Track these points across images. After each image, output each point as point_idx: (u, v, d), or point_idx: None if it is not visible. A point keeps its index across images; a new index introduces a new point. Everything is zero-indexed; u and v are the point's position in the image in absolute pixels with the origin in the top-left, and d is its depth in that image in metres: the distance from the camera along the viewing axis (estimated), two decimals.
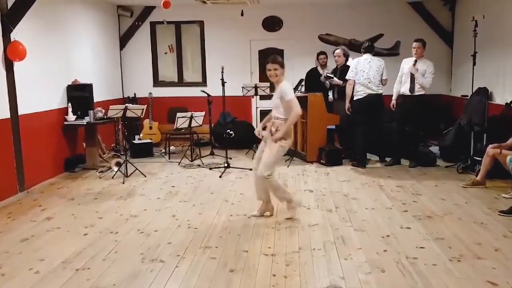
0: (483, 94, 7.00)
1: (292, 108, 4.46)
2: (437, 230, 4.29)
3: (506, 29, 6.93)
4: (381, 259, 3.66)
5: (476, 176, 5.85)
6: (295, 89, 7.63)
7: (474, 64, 6.84)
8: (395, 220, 4.62)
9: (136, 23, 9.63)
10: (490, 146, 5.67)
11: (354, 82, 6.93)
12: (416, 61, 6.80)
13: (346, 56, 7.34)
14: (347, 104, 7.05)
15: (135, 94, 9.63)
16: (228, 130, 8.34)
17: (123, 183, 6.26)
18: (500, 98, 7.04)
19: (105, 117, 7.14)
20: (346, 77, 7.08)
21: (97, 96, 7.75)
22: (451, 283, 3.25)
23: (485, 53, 7.23)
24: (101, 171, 6.84)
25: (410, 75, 6.78)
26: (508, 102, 6.60)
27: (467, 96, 7.47)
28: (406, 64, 6.94)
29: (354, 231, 4.32)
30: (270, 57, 4.65)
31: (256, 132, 4.86)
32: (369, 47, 7.09)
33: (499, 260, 3.60)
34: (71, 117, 7.01)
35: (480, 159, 5.95)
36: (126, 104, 6.78)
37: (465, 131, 6.82)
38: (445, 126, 7.81)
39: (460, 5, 8.90)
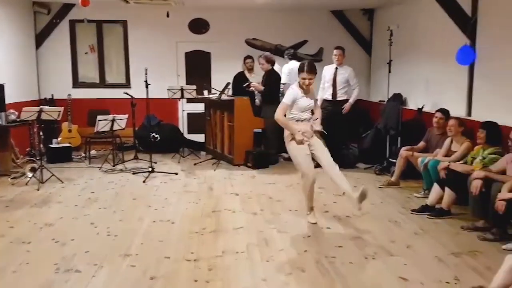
0: (398, 99, 7.45)
1: None
2: (355, 230, 4.49)
3: (418, 38, 7.42)
4: (301, 260, 3.75)
5: (391, 177, 6.19)
6: (222, 92, 7.63)
7: (389, 71, 7.24)
8: (316, 220, 4.75)
9: (54, 21, 9.13)
10: (403, 148, 6.03)
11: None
12: (337, 68, 7.07)
13: (271, 62, 7.47)
14: None
15: (52, 95, 9.13)
16: (153, 134, 8.16)
17: (38, 189, 5.90)
18: (413, 104, 7.51)
19: (18, 119, 6.70)
20: (283, 81, 7.38)
21: (10, 98, 7.23)
22: (366, 280, 3.40)
23: (399, 61, 7.68)
24: (14, 177, 6.41)
25: (332, 82, 7.04)
26: (420, 107, 7.05)
27: (384, 101, 7.89)
28: (327, 71, 7.21)
29: (277, 233, 4.40)
30: (306, 65, 4.54)
31: (299, 140, 4.57)
32: (295, 54, 7.37)
33: (410, 257, 3.83)
34: None
35: (395, 161, 6.31)
36: (41, 106, 6.40)
37: (382, 134, 7.19)
38: (364, 130, 8.18)
39: (377, 15, 9.39)
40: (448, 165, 4.94)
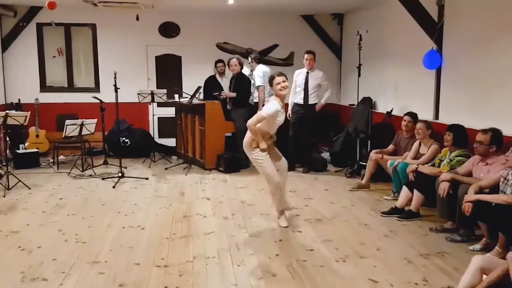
0: (367, 103, 7.56)
1: None
2: (325, 233, 4.52)
3: (386, 43, 7.56)
4: (272, 263, 3.76)
5: (362, 180, 6.27)
6: (193, 96, 7.59)
7: (359, 75, 7.34)
8: (289, 224, 4.77)
9: (21, 24, 8.90)
10: (373, 151, 6.12)
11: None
12: (308, 72, 7.13)
13: (241, 65, 7.48)
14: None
15: (19, 100, 8.89)
16: (123, 138, 8.05)
17: (4, 196, 5.73)
18: (382, 107, 7.64)
19: None
20: (258, 84, 7.42)
21: None
22: (337, 282, 3.44)
23: (368, 65, 7.80)
24: None
25: (303, 86, 7.09)
26: (389, 111, 7.18)
27: (354, 105, 8.00)
28: (299, 75, 7.25)
29: (249, 237, 4.40)
30: (276, 72, 4.66)
31: (263, 149, 4.61)
32: (260, 57, 7.63)
33: (379, 259, 3.89)
34: None
35: (365, 164, 6.39)
36: (7, 111, 6.23)
37: (352, 138, 7.29)
38: (335, 133, 8.28)
39: (347, 20, 9.53)
40: (417, 167, 5.03)
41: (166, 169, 7.48)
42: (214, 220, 4.92)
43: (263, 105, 7.43)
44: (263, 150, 4.54)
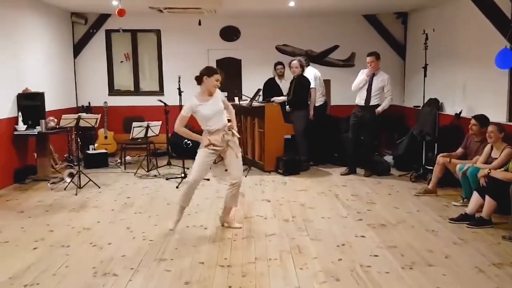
0: (434, 105, 7.27)
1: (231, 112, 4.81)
2: (390, 238, 4.39)
3: (455, 42, 7.25)
4: (336, 268, 3.70)
5: (428, 185, 6.04)
6: (252, 99, 7.66)
7: (425, 75, 7.09)
8: (350, 229, 4.69)
9: (91, 31, 9.41)
10: (440, 155, 5.87)
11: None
12: (373, 73, 6.93)
13: (302, 67, 7.45)
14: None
15: (89, 103, 9.38)
16: (186, 140, 8.24)
17: (76, 194, 6.05)
18: (450, 109, 7.33)
19: (58, 126, 6.91)
20: (312, 86, 7.49)
21: (49, 105, 7.50)
22: None
23: (435, 65, 7.51)
24: (53, 182, 6.59)
25: (366, 87, 6.92)
26: (458, 112, 6.88)
27: (419, 106, 7.73)
28: (363, 75, 7.06)
29: (310, 240, 4.35)
30: (214, 69, 4.64)
31: (206, 144, 4.54)
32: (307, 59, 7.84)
33: (449, 267, 3.72)
34: (21, 127, 6.75)
35: (431, 168, 6.15)
36: (79, 114, 6.59)
37: (417, 141, 7.03)
38: (399, 136, 8.04)
39: (412, 19, 9.24)
40: (489, 172, 4.78)
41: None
42: (274, 222, 4.93)
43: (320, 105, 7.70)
44: (206, 145, 4.54)
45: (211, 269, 3.69)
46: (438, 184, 5.94)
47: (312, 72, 7.76)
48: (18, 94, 6.93)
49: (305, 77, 7.52)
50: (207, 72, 4.56)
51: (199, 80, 4.57)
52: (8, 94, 6.76)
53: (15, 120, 6.77)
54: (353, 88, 7.04)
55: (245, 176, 7.10)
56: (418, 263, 3.80)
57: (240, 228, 4.70)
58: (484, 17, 5.87)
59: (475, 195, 4.85)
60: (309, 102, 7.58)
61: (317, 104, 7.80)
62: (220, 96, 4.65)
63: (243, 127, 8.11)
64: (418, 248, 4.12)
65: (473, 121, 5.63)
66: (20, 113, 6.80)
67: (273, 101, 7.61)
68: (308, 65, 7.92)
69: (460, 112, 6.81)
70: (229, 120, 4.73)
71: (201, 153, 4.60)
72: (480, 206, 4.77)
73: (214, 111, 4.54)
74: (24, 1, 7.29)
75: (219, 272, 3.64)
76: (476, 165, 5.24)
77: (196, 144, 8.43)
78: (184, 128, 4.60)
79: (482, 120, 5.59)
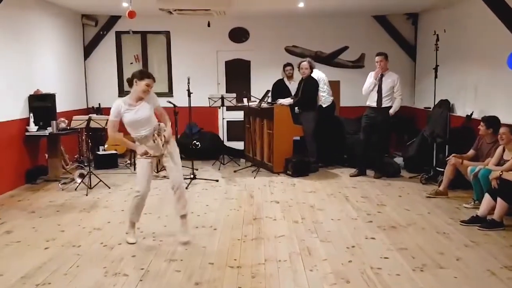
0: (445, 106, 7.22)
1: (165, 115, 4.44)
2: (401, 240, 4.36)
3: (466, 43, 7.19)
4: (346, 270, 3.68)
5: (439, 187, 5.99)
6: (261, 100, 7.66)
7: (436, 77, 7.04)
8: (360, 230, 4.67)
9: (101, 33, 9.47)
10: (452, 155, 5.82)
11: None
12: (382, 74, 6.91)
13: (312, 68, 7.44)
14: None
15: (99, 104, 9.43)
16: (195, 141, 8.27)
17: (87, 195, 6.09)
18: (461, 111, 7.27)
19: (68, 127, 6.97)
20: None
21: (60, 107, 7.56)
22: None
23: (446, 66, 7.46)
24: (64, 183, 6.64)
25: (377, 88, 6.89)
26: (469, 114, 6.82)
27: (430, 108, 7.67)
28: (372, 77, 7.04)
29: (320, 242, 4.34)
30: (147, 73, 4.24)
31: (142, 153, 4.24)
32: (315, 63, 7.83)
33: (460, 269, 3.68)
34: (32, 128, 6.81)
35: (442, 170, 6.10)
36: (90, 115, 6.63)
37: (428, 142, 6.99)
38: (409, 138, 7.99)
39: (422, 19, 9.19)
40: (501, 174, 4.73)
41: (235, 171, 7.59)
42: (284, 224, 4.92)
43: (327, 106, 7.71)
44: (142, 154, 4.23)
45: (221, 269, 3.70)
46: (449, 186, 5.89)
47: (316, 75, 7.72)
48: (30, 95, 6.99)
49: (313, 78, 7.51)
50: (139, 75, 4.18)
51: (129, 82, 4.25)
52: (20, 96, 6.82)
53: (26, 121, 6.83)
54: (363, 92, 7.03)
55: (254, 178, 7.12)
56: (429, 265, 3.77)
57: (186, 243, 4.29)
58: (496, 17, 5.82)
59: (487, 197, 4.80)
60: (320, 103, 7.61)
61: (324, 105, 7.79)
62: (152, 101, 4.28)
63: (252, 129, 8.11)
64: (429, 250, 4.09)
65: (482, 123, 5.59)
66: (31, 114, 6.86)
67: (281, 104, 7.60)
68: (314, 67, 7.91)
69: (471, 114, 6.75)
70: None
71: (140, 163, 4.31)
72: (492, 208, 4.72)
73: (139, 117, 4.19)
74: (35, 3, 7.36)
75: (229, 273, 3.64)
76: (488, 167, 5.19)
77: (206, 146, 8.47)
78: (118, 134, 4.33)
79: (489, 121, 5.55)
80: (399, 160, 7.85)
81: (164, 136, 4.30)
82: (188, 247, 4.21)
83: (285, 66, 8.40)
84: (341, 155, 8.03)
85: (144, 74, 4.21)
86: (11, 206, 5.66)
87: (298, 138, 7.66)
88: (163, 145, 4.29)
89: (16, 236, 4.53)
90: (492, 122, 5.53)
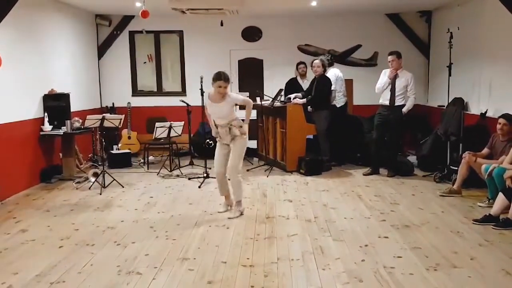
0: (459, 104, 7.14)
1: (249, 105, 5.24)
2: (414, 239, 4.33)
3: (480, 40, 7.11)
4: (359, 269, 3.67)
5: (453, 185, 5.93)
6: (274, 99, 7.66)
7: (450, 75, 6.97)
8: (373, 229, 4.65)
9: (115, 32, 9.55)
10: (466, 153, 5.76)
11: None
12: (396, 74, 6.84)
13: (325, 67, 7.42)
14: None
15: (113, 103, 9.52)
16: (208, 140, 8.30)
17: (100, 194, 6.16)
18: (475, 109, 7.19)
19: (82, 127, 7.05)
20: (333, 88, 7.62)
21: (75, 106, 7.65)
22: None
23: (460, 64, 7.38)
24: (78, 182, 6.72)
25: (390, 87, 6.84)
26: (483, 112, 6.74)
27: (444, 106, 7.60)
28: (387, 74, 6.98)
29: (332, 241, 4.33)
30: (218, 75, 4.93)
31: (214, 134, 5.24)
32: (331, 60, 7.93)
33: (474, 269, 3.65)
34: (47, 127, 6.90)
35: (456, 168, 6.04)
36: (104, 114, 6.69)
37: (442, 141, 6.92)
38: (422, 136, 7.93)
39: (436, 17, 9.10)
40: None
41: (248, 170, 7.61)
42: (296, 223, 4.92)
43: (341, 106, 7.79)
44: (215, 135, 5.23)
45: (234, 268, 3.71)
46: (463, 185, 5.83)
47: (334, 73, 7.72)
48: (44, 95, 7.09)
49: (326, 77, 7.49)
50: (213, 77, 4.96)
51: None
52: (35, 95, 6.92)
53: (41, 120, 6.92)
54: (376, 91, 6.99)
55: (267, 177, 7.12)
56: (442, 264, 3.74)
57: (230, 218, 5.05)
58: (510, 14, 5.74)
59: (501, 196, 4.75)
60: (333, 103, 7.60)
61: (338, 105, 7.78)
62: (232, 101, 5.06)
63: (265, 127, 8.12)
64: (442, 250, 4.06)
65: (502, 121, 5.49)
66: (46, 114, 6.96)
67: (289, 98, 7.60)
68: (332, 64, 7.89)
69: (486, 112, 6.68)
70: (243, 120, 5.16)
71: (217, 146, 5.28)
72: (506, 207, 4.67)
73: (217, 112, 5.07)
74: (50, 4, 7.46)
75: (242, 271, 3.65)
76: (502, 165, 5.12)
77: None
78: (208, 115, 5.25)
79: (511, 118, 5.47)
80: (412, 158, 7.80)
81: (234, 132, 5.05)
82: (200, 246, 4.23)
83: (298, 64, 8.41)
84: (354, 154, 7.99)
85: (216, 77, 4.92)
86: (26, 205, 5.75)
87: (311, 136, 7.64)
88: (231, 138, 5.07)
89: (31, 235, 4.60)
90: None
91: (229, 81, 4.99)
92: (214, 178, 6.84)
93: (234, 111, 5.17)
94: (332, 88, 7.54)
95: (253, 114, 8.88)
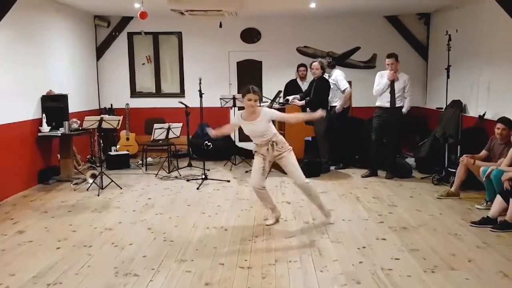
0: (457, 106, 7.15)
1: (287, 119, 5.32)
2: (412, 241, 4.33)
3: (478, 43, 7.12)
4: (356, 271, 3.67)
5: (451, 187, 5.94)
6: (273, 100, 7.66)
7: (448, 77, 6.97)
8: (371, 231, 4.65)
9: (113, 34, 9.54)
10: (465, 155, 5.76)
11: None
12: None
13: (323, 69, 7.42)
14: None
15: (111, 105, 9.51)
16: (206, 142, 8.29)
17: (98, 195, 6.14)
18: (473, 111, 7.20)
19: (80, 128, 7.04)
20: (345, 87, 7.64)
21: (73, 107, 7.64)
22: None
23: (458, 66, 7.39)
24: (76, 183, 6.71)
25: (390, 89, 6.84)
26: (481, 114, 6.75)
27: (442, 108, 7.61)
28: (382, 77, 6.99)
29: (330, 243, 4.33)
30: (247, 89, 4.66)
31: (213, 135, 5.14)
32: (333, 63, 7.85)
33: (472, 271, 3.65)
34: (45, 128, 6.89)
35: (454, 170, 6.04)
36: (102, 115, 6.68)
37: (440, 143, 6.93)
38: (421, 138, 7.93)
39: (434, 20, 9.11)
40: None
41: (246, 172, 7.59)
42: (295, 224, 4.92)
43: (345, 108, 7.77)
44: (214, 136, 5.10)
45: (231, 270, 3.71)
46: (461, 187, 5.84)
47: (341, 73, 7.78)
48: (42, 96, 7.08)
49: (325, 78, 7.49)
50: (242, 93, 4.71)
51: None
52: (33, 96, 6.91)
53: (39, 121, 6.91)
54: (375, 93, 6.99)
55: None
56: (440, 266, 3.74)
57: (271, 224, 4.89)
58: (509, 17, 5.74)
59: (498, 199, 4.75)
60: (333, 105, 7.61)
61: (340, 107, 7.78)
62: (268, 117, 4.66)
63: None
64: (440, 252, 4.06)
65: (501, 125, 5.48)
66: (44, 115, 6.94)
67: (287, 100, 7.60)
68: (334, 66, 7.88)
69: (484, 114, 6.68)
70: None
71: (255, 159, 4.89)
72: (503, 210, 4.67)
73: (253, 131, 4.71)
74: (48, 5, 7.45)
75: (239, 273, 3.65)
76: (501, 168, 5.13)
77: (218, 146, 8.51)
78: (226, 127, 5.24)
79: (510, 123, 5.46)
80: (410, 160, 7.80)
81: (278, 149, 4.70)
82: (198, 247, 4.23)
83: (298, 66, 8.42)
84: (353, 156, 7.98)
85: (244, 91, 4.66)
86: (24, 206, 5.73)
87: (309, 138, 7.64)
88: (278, 154, 4.70)
89: (28, 236, 4.58)
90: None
91: (259, 94, 4.65)
92: (212, 179, 6.91)
93: (272, 126, 4.75)
94: (346, 87, 7.61)
95: None
